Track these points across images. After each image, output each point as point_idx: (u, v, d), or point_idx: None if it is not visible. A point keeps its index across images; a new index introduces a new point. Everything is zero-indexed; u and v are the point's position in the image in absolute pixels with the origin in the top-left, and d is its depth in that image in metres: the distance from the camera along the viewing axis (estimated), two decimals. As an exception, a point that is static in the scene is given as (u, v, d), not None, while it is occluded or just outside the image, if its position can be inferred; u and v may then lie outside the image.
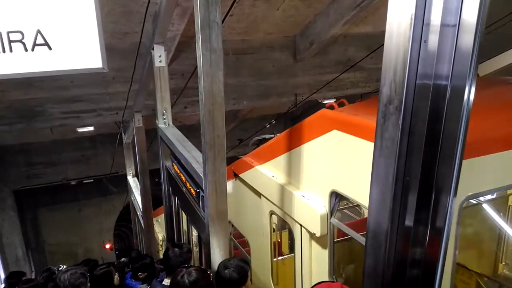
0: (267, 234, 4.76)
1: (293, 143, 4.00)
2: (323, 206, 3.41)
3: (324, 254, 3.56)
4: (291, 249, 5.49)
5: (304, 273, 3.92)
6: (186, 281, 2.39)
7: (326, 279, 3.48)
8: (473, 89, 1.33)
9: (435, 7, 1.37)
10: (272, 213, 4.52)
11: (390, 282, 1.49)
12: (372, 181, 1.51)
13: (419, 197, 1.41)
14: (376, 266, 1.53)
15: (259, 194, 4.73)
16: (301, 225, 3.80)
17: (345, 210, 7.09)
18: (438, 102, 1.38)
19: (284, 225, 4.68)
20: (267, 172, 4.52)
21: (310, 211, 3.52)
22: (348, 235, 3.45)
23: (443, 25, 1.37)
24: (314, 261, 3.75)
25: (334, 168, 3.26)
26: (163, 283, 3.16)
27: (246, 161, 5.07)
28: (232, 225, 6.01)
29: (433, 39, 1.38)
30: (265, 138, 9.46)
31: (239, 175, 5.31)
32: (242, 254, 5.83)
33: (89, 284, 3.55)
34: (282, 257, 5.47)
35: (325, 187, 3.37)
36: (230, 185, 5.63)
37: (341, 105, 3.62)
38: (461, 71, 1.33)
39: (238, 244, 6.16)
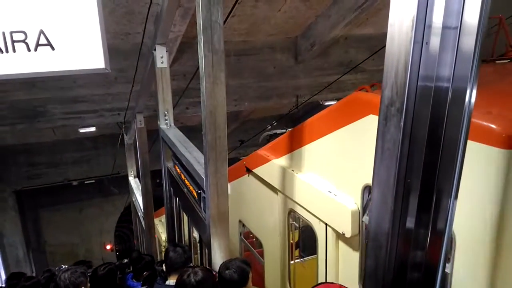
0: (284, 235, 4.31)
1: (318, 132, 3.58)
2: (354, 203, 2.99)
3: (354, 257, 3.14)
4: (303, 250, 5.28)
5: (329, 278, 3.52)
6: (192, 280, 2.39)
7: (356, 286, 3.14)
8: (474, 91, 1.33)
9: (436, 9, 1.37)
10: (290, 211, 4.08)
11: (390, 284, 1.49)
12: (373, 182, 1.51)
13: (420, 199, 1.41)
14: (376, 268, 1.53)
15: (275, 191, 4.29)
16: (326, 224, 3.40)
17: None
18: (440, 105, 1.38)
19: (296, 226, 4.32)
20: (286, 166, 4.07)
21: (338, 208, 3.11)
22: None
23: (444, 27, 1.37)
24: (342, 265, 3.35)
25: (368, 159, 2.78)
26: (166, 283, 3.16)
27: (261, 154, 4.60)
28: (243, 225, 5.67)
29: (434, 41, 1.39)
30: (276, 133, 9.30)
31: (253, 170, 4.86)
32: (254, 256, 5.46)
33: (89, 284, 3.56)
34: (302, 259, 5.09)
35: (357, 180, 2.96)
36: (242, 181, 5.32)
37: (374, 88, 3.17)
38: (462, 74, 1.34)
39: (249, 245, 5.82)
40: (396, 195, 1.41)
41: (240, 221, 5.74)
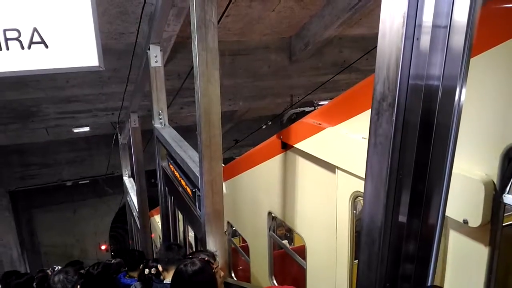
0: (344, 227, 3.16)
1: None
2: (485, 174, 1.89)
3: (478, 258, 1.95)
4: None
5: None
6: (189, 269, 2.40)
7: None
8: (464, 87, 1.36)
9: (427, 7, 1.39)
10: (357, 195, 2.97)
11: (384, 277, 1.51)
12: (366, 176, 1.53)
13: (412, 192, 1.44)
14: (370, 262, 1.55)
15: (332, 169, 3.22)
16: None
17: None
18: (431, 99, 1.40)
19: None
20: (352, 133, 2.96)
21: (458, 183, 1.86)
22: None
23: (434, 26, 1.39)
24: (452, 273, 2.16)
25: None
26: (165, 282, 3.16)
27: (307, 123, 3.57)
28: (274, 217, 4.59)
29: (425, 38, 1.41)
30: (304, 110, 8.93)
31: (294, 145, 3.79)
32: (288, 256, 4.43)
33: (79, 286, 3.55)
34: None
35: (491, 141, 1.87)
36: (271, 164, 4.39)
37: None
38: (452, 70, 1.36)
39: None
40: (389, 189, 1.43)
41: (270, 213, 4.63)
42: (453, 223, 2.07)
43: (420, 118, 1.39)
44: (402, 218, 1.48)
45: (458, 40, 1.34)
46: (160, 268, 3.31)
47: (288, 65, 10.28)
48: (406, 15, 1.37)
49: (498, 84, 1.74)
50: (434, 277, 1.54)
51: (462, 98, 1.37)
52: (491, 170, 1.90)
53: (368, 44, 8.85)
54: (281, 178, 4.22)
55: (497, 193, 1.88)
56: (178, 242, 5.61)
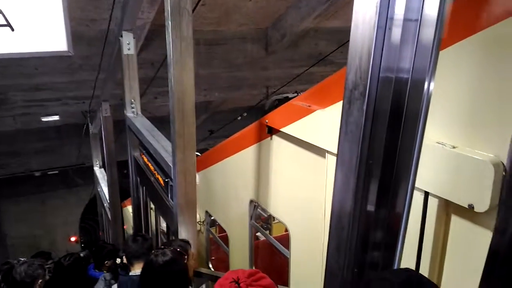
0: None
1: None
2: (493, 155, 1.77)
3: (485, 242, 1.52)
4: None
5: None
6: (160, 259, 2.35)
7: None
8: (433, 77, 1.38)
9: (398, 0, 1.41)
10: None
11: (352, 263, 1.54)
12: (337, 164, 1.55)
13: (381, 181, 1.47)
14: (339, 248, 1.58)
15: (322, 153, 3.07)
16: (427, 194, 2.05)
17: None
18: (400, 90, 1.43)
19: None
20: None
21: (463, 165, 1.84)
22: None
23: (406, 20, 1.42)
24: (451, 262, 2.07)
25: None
26: (130, 274, 3.11)
27: (296, 105, 3.37)
28: (256, 205, 4.41)
29: (396, 31, 1.43)
30: (287, 97, 8.91)
31: (281, 129, 3.61)
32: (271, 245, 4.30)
33: (47, 276, 3.47)
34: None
35: (502, 122, 1.74)
36: (260, 147, 4.13)
37: None
38: (422, 62, 1.38)
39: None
40: (358, 177, 1.45)
41: (252, 201, 4.43)
42: (456, 209, 1.97)
43: (391, 107, 1.41)
44: (371, 206, 1.52)
45: (428, 33, 1.37)
46: (124, 260, 3.26)
47: (264, 56, 10.27)
48: (379, 5, 1.38)
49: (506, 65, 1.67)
50: (400, 264, 1.58)
51: (431, 89, 1.40)
52: (500, 151, 1.75)
53: (343, 37, 8.91)
54: (266, 164, 4.04)
55: (506, 175, 1.64)
56: (150, 233, 5.55)
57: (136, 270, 3.06)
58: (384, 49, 1.43)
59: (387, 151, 1.43)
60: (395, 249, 1.54)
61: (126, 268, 3.22)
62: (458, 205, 1.88)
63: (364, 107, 1.39)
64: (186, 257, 2.91)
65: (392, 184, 1.44)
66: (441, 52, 1.60)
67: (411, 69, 1.41)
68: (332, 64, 10.07)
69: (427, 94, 1.38)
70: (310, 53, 10.44)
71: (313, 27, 9.55)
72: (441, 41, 1.40)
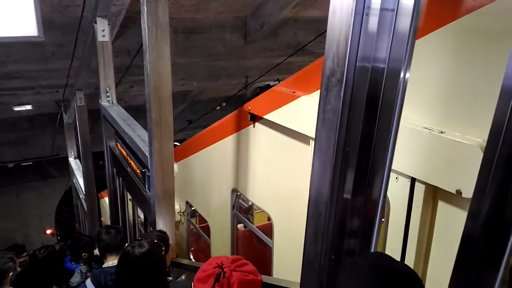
0: None
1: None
2: (479, 139, 1.73)
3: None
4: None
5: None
6: (136, 251, 2.30)
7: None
8: (409, 64, 1.38)
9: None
10: None
11: (329, 250, 1.54)
12: (314, 151, 1.55)
13: (357, 168, 1.47)
14: (316, 235, 1.58)
15: (306, 140, 3.01)
16: (414, 180, 2.05)
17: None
18: (377, 78, 1.42)
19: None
20: None
21: (449, 149, 1.83)
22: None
23: (382, 9, 1.41)
24: (440, 243, 2.04)
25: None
26: (104, 266, 3.05)
27: (280, 91, 3.25)
28: (238, 194, 4.34)
29: (373, 20, 1.42)
30: (269, 85, 8.85)
31: (264, 116, 3.51)
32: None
33: (19, 269, 3.40)
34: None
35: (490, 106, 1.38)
36: (242, 134, 4.01)
37: None
38: (398, 50, 1.38)
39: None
40: (335, 164, 1.45)
41: (234, 190, 4.37)
42: (444, 195, 1.94)
43: (367, 95, 1.41)
44: (347, 194, 1.52)
45: (404, 22, 1.37)
46: (97, 252, 3.20)
47: (243, 46, 10.19)
48: (355, -9, 1.37)
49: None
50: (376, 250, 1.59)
51: (406, 78, 1.41)
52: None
53: (322, 27, 8.92)
54: (248, 152, 3.94)
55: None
56: (128, 224, 5.48)
57: (109, 262, 3.01)
58: (361, 35, 1.42)
59: (363, 138, 1.43)
60: (371, 236, 1.55)
61: (101, 260, 3.16)
62: (446, 191, 1.87)
63: (341, 94, 1.38)
64: (163, 248, 2.87)
65: (369, 171, 1.44)
66: (427, 38, 1.60)
67: (388, 58, 1.41)
68: (310, 54, 10.08)
69: (403, 82, 1.39)
70: (289, 43, 10.42)
71: (292, 17, 9.52)
72: (417, 31, 1.40)
